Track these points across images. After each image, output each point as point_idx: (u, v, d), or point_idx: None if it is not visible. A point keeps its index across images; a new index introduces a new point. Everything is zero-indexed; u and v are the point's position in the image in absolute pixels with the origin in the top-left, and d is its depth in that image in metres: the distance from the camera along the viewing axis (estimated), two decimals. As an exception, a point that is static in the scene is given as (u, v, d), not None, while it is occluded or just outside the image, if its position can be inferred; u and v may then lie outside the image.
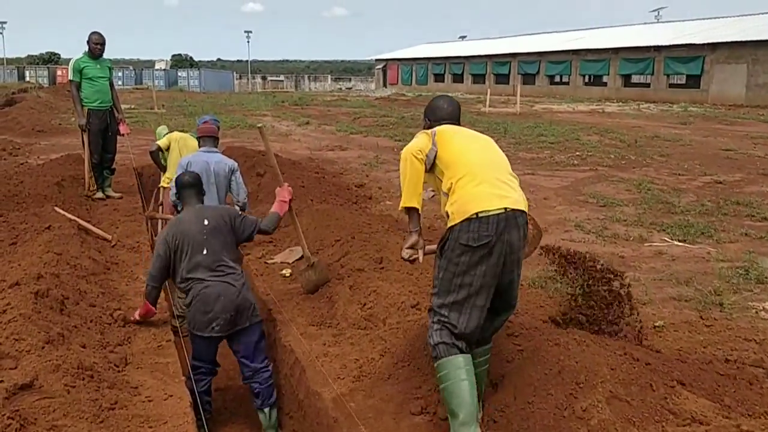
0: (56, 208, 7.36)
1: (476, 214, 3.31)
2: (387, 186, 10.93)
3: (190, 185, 4.93)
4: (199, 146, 6.84)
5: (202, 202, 4.93)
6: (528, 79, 54.93)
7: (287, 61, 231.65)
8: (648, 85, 44.93)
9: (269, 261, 6.78)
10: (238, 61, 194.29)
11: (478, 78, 60.80)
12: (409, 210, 3.55)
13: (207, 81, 64.91)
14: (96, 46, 9.16)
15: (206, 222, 4.59)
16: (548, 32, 61.69)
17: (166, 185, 8.44)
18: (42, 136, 16.61)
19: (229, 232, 4.67)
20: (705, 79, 39.81)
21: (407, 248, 3.56)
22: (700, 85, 40.39)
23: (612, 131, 19.18)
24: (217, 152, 6.77)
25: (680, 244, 7.40)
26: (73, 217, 7.23)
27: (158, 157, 8.50)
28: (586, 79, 50.69)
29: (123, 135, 9.75)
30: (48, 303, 4.59)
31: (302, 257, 6.56)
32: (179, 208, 6.47)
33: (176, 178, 5.17)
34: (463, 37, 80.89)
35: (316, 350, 4.74)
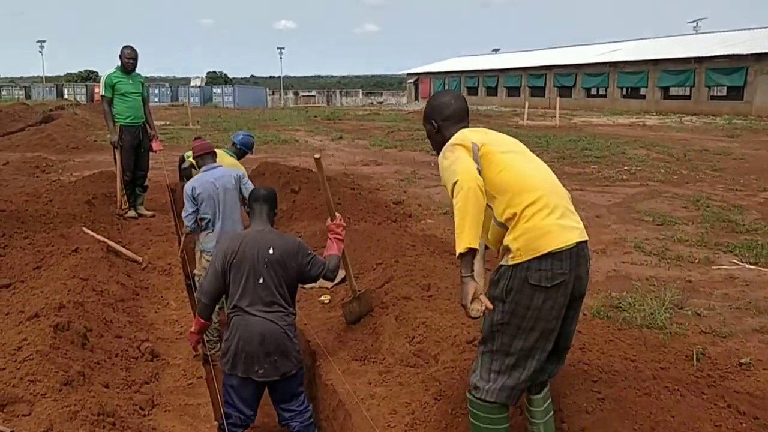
0: (84, 229, 7.02)
1: (550, 251, 2.84)
2: (426, 203, 10.45)
3: (264, 199, 4.38)
4: (198, 167, 6.28)
5: (273, 223, 4.42)
6: (564, 91, 54.10)
7: (319, 76, 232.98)
8: (688, 97, 43.85)
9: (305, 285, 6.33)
10: (270, 77, 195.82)
11: (513, 91, 60.14)
12: (467, 252, 2.84)
13: (241, 97, 65.35)
14: (128, 60, 8.86)
15: (272, 251, 4.06)
16: (585, 44, 60.85)
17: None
18: (76, 153, 16.46)
19: (294, 269, 4.12)
20: (748, 90, 38.71)
21: (472, 304, 2.86)
22: (744, 96, 39.29)
23: (658, 145, 18.48)
24: (218, 166, 6.26)
25: (752, 267, 6.79)
26: (101, 238, 6.89)
27: (189, 174, 8.15)
28: (624, 92, 49.77)
29: (156, 152, 9.44)
30: (69, 337, 4.19)
31: (343, 280, 6.13)
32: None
33: (251, 192, 4.64)
34: (496, 50, 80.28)
35: (361, 391, 4.27)
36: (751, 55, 37.91)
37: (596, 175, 13.25)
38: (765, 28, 44.95)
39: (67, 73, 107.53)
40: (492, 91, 62.32)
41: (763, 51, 37.57)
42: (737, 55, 38.69)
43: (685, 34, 55.97)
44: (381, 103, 76.18)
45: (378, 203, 9.86)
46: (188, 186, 6.00)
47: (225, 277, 4.03)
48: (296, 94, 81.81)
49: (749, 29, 46.50)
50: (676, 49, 46.27)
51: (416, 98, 73.42)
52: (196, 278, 6.62)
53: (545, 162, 3.26)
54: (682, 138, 21.75)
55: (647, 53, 47.50)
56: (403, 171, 14.10)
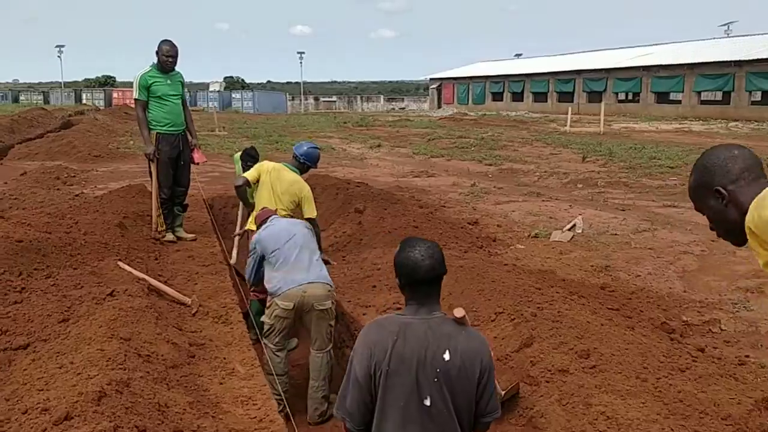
0: (120, 263, 5.66)
1: None
2: (506, 223, 9.02)
3: (429, 281, 2.69)
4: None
5: (439, 307, 2.85)
6: (594, 96, 52.47)
7: (336, 82, 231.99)
8: (727, 102, 42.11)
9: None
10: (287, 82, 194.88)
11: (540, 96, 58.55)
12: None
13: (260, 102, 64.15)
14: (167, 58, 7.50)
15: (447, 357, 2.53)
16: (615, 48, 59.10)
17: (255, 227, 6.73)
18: (99, 162, 15.17)
19: (473, 388, 2.57)
20: (793, 95, 37.01)
21: None
22: (788, 101, 37.61)
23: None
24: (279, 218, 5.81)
25: None
26: (141, 275, 5.52)
27: (245, 193, 6.79)
28: (657, 97, 48.06)
29: (198, 164, 8.09)
30: (116, 454, 2.80)
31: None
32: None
33: (406, 268, 2.71)
34: (518, 55, 78.74)
35: None
36: (798, 58, 36.22)
37: (681, 188, 11.73)
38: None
39: (85, 79, 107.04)
40: (518, 97, 60.77)
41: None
42: (782, 58, 37.00)
43: (721, 37, 54.22)
44: (403, 108, 74.81)
45: (454, 225, 8.44)
46: (255, 238, 5.59)
47: (372, 390, 2.61)
48: (317, 99, 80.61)
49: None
50: (713, 52, 44.59)
51: (439, 104, 71.99)
52: (265, 330, 5.33)
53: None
54: (747, 145, 20.15)
55: (681, 57, 45.83)
56: (462, 184, 12.68)
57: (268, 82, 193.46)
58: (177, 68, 7.75)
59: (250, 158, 8.19)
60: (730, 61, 40.27)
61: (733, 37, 51.53)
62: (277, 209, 6.67)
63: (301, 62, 76.13)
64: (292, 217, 6.82)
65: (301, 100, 75.54)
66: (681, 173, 13.36)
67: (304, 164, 6.80)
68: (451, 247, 7.34)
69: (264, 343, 5.46)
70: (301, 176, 6.79)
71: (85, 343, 4.10)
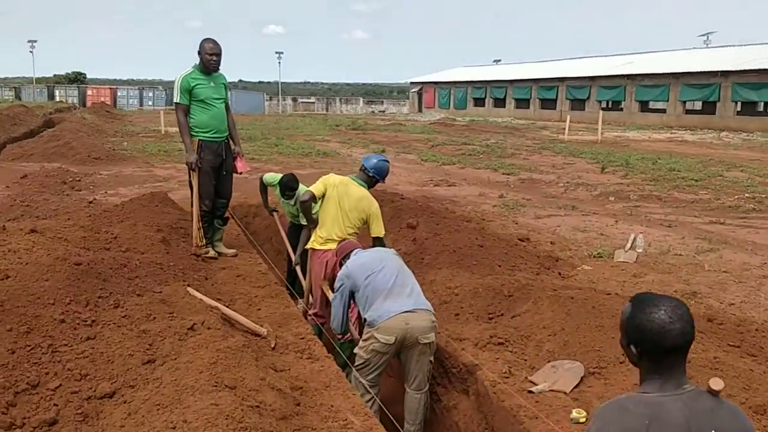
0: (190, 290, 5.04)
1: None
2: (559, 240, 8.53)
3: (679, 349, 2.08)
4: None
5: (686, 378, 2.34)
6: (576, 104, 52.60)
7: (309, 83, 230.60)
8: (713, 112, 42.32)
9: (532, 388, 4.35)
10: (260, 82, 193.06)
11: (522, 103, 58.54)
12: None
13: (238, 102, 62.94)
14: (210, 57, 6.85)
15: None
16: (598, 56, 59.27)
17: (321, 246, 6.17)
18: (100, 164, 14.40)
19: None
20: (780, 106, 37.24)
21: None
22: (774, 112, 37.86)
23: (743, 166, 16.71)
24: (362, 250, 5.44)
25: None
26: (214, 303, 4.91)
27: (310, 209, 6.21)
28: (641, 106, 48.18)
29: (241, 173, 7.47)
30: None
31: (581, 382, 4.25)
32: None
33: (650, 334, 2.21)
34: (497, 61, 78.65)
35: None
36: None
37: (716, 203, 11.39)
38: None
39: (55, 75, 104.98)
40: (500, 103, 60.73)
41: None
42: (767, 69, 37.19)
43: (703, 47, 54.68)
44: (383, 111, 74.27)
45: (509, 243, 7.90)
46: (340, 276, 5.15)
47: None
48: (294, 100, 79.67)
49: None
50: (698, 62, 44.83)
51: (420, 108, 71.67)
52: (359, 364, 4.78)
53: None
54: (750, 157, 20.02)
55: (667, 66, 46.03)
56: (489, 194, 12.19)
57: (240, 81, 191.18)
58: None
59: (288, 189, 7.59)
60: (716, 71, 40.47)
61: (717, 47, 51.86)
62: (344, 227, 6.13)
63: (279, 62, 74.86)
64: (357, 235, 6.29)
65: (279, 101, 74.57)
66: (709, 187, 13.04)
67: (372, 178, 6.26)
68: (522, 269, 6.84)
69: (354, 376, 4.91)
70: (368, 190, 6.26)
71: (189, 392, 3.50)
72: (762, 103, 41.66)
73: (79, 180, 11.84)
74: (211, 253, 7.15)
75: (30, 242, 5.67)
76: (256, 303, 5.82)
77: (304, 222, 7.56)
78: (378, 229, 6.21)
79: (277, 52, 74.73)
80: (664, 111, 45.54)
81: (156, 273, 5.53)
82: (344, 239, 6.13)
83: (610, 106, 51.15)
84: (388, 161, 6.35)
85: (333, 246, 6.09)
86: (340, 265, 5.41)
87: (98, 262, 5.10)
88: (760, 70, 37.81)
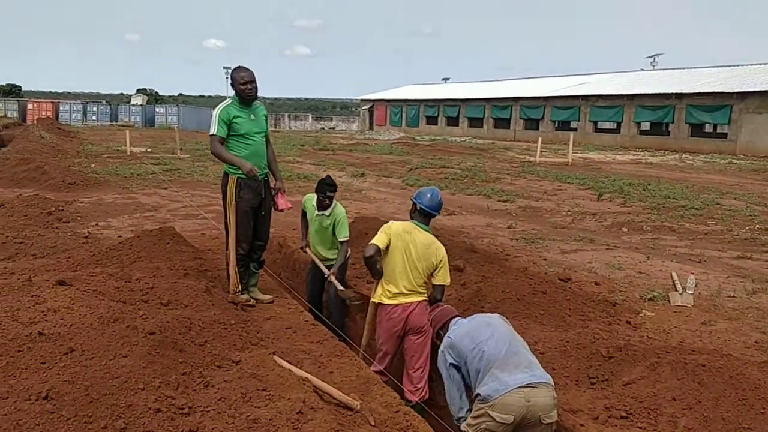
0: (276, 358, 4.40)
1: None
2: (603, 280, 8.11)
3: None
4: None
5: None
6: (530, 123, 53.10)
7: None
8: (667, 134, 43.21)
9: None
10: (200, 95, 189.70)
11: (475, 121, 58.80)
12: None
13: (186, 118, 61.43)
14: (245, 87, 6.24)
15: None
16: (553, 76, 60.03)
17: (390, 301, 5.60)
18: (76, 191, 13.45)
19: None
20: (733, 128, 38.14)
21: None
22: (728, 135, 38.75)
23: (729, 192, 16.76)
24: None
25: None
26: (304, 374, 4.28)
27: (375, 264, 5.62)
28: (595, 126, 48.87)
29: (282, 211, 6.81)
30: None
31: None
32: None
33: None
34: (446, 79, 79.01)
35: None
36: (737, 93, 37.37)
37: (730, 235, 11.20)
38: (750, 65, 44.76)
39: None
40: (453, 121, 60.90)
41: (749, 90, 37.09)
42: (722, 92, 38.12)
43: (644, 69, 55.98)
44: (333, 128, 73.84)
45: (554, 285, 7.41)
46: (443, 348, 4.63)
47: None
48: (243, 116, 78.32)
49: (731, 66, 46.15)
50: (651, 84, 45.78)
51: (371, 126, 71.41)
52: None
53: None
54: (727, 182, 20.20)
55: (621, 87, 46.88)
56: (496, 225, 11.79)
57: (180, 95, 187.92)
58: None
59: (329, 188, 6.93)
60: (671, 93, 41.29)
61: (670, 69, 52.90)
62: (412, 278, 5.58)
63: (227, 77, 73.13)
64: (426, 285, 5.75)
65: (227, 117, 73.08)
66: (714, 216, 12.90)
67: (429, 216, 5.76)
68: (590, 318, 6.37)
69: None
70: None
71: None
72: (711, 126, 42.63)
73: (62, 209, 10.92)
74: (246, 297, 6.52)
75: (66, 298, 5.00)
76: (324, 364, 5.20)
77: (330, 255, 7.02)
78: (443, 277, 5.71)
79: (225, 67, 73.31)
80: (617, 131, 46.24)
81: (222, 335, 4.88)
82: (413, 291, 5.60)
83: (560, 126, 51.62)
84: (438, 191, 5.86)
85: (403, 300, 5.57)
86: (438, 336, 4.87)
87: (165, 328, 4.42)
88: (713, 93, 38.72)
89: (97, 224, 10.12)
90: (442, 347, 4.63)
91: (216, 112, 6.31)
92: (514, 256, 9.27)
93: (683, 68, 50.25)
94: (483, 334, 4.41)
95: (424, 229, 5.70)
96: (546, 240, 10.41)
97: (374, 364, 5.82)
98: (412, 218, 5.81)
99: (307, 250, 7.42)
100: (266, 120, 6.64)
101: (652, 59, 61.58)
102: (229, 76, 6.43)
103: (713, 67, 47.20)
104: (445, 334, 4.73)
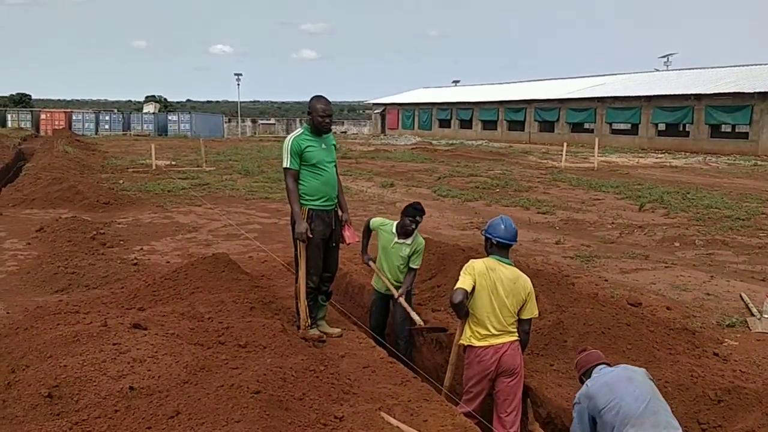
0: (383, 414, 4.18)
1: None
2: (674, 305, 7.82)
3: None
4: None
5: None
6: (545, 126, 52.78)
7: (258, 101, 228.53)
8: (686, 135, 42.83)
9: None
10: (208, 101, 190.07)
11: (489, 124, 58.57)
12: None
13: (198, 125, 61.29)
14: (323, 120, 6.06)
15: None
16: (568, 78, 59.62)
17: (479, 343, 5.35)
18: (111, 211, 13.26)
19: None
20: (754, 129, 37.75)
21: None
22: (749, 135, 38.37)
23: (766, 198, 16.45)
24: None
25: None
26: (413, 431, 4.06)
27: (464, 308, 5.36)
28: (611, 128, 48.57)
29: (348, 244, 6.59)
30: None
31: None
32: None
33: None
34: (456, 82, 78.76)
35: None
36: (758, 93, 36.98)
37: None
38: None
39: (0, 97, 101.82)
40: (466, 124, 60.68)
41: (770, 90, 36.70)
42: (742, 93, 37.72)
43: (657, 70, 55.59)
44: (345, 132, 73.67)
45: (632, 314, 7.13)
46: (579, 396, 4.42)
47: None
48: (254, 121, 78.50)
49: (750, 65, 45.61)
50: (668, 84, 45.40)
51: (383, 130, 71.27)
52: None
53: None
54: (761, 187, 19.87)
55: (638, 88, 46.53)
56: (543, 240, 11.51)
57: (188, 101, 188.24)
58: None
59: (419, 213, 6.77)
60: (689, 95, 40.93)
61: (687, 69, 52.47)
62: (501, 317, 5.34)
63: (238, 84, 73.21)
64: (514, 323, 5.50)
65: (238, 123, 73.19)
66: (763, 227, 12.62)
67: (508, 247, 5.52)
68: (678, 351, 6.11)
69: None
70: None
71: None
72: (730, 126, 42.25)
73: (103, 233, 10.73)
74: (315, 332, 6.30)
75: (148, 345, 4.85)
76: (415, 411, 4.93)
77: (392, 278, 6.81)
78: (532, 310, 5.47)
79: (236, 74, 73.30)
80: (634, 133, 45.87)
81: (315, 384, 4.65)
82: (504, 330, 5.35)
83: (574, 128, 51.24)
84: (510, 219, 5.60)
85: (493, 342, 5.32)
86: (581, 381, 4.63)
87: (266, 383, 4.19)
88: (733, 93, 38.33)
89: (141, 248, 9.91)
90: (579, 394, 4.43)
91: (287, 144, 6.10)
92: (575, 276, 9.00)
93: (699, 68, 49.79)
94: (623, 388, 4.18)
95: (507, 263, 5.46)
96: (600, 258, 10.14)
97: (461, 405, 5.58)
98: (489, 253, 5.55)
99: (371, 263, 7.18)
100: (335, 149, 6.44)
101: (665, 59, 61.29)
102: (308, 105, 6.19)
103: (730, 66, 46.74)
104: (587, 379, 4.51)
